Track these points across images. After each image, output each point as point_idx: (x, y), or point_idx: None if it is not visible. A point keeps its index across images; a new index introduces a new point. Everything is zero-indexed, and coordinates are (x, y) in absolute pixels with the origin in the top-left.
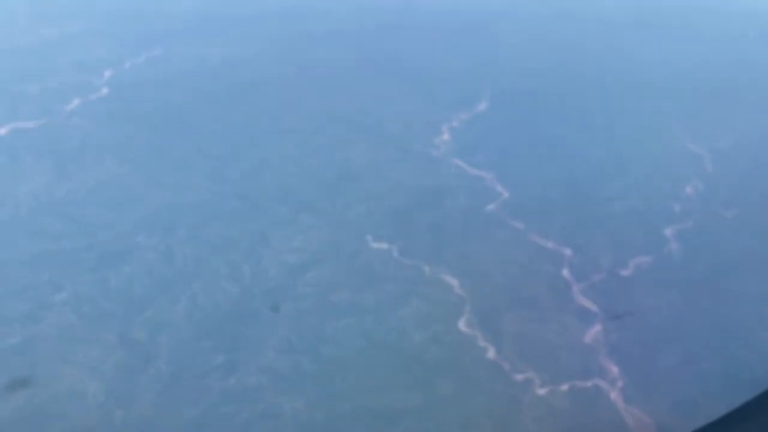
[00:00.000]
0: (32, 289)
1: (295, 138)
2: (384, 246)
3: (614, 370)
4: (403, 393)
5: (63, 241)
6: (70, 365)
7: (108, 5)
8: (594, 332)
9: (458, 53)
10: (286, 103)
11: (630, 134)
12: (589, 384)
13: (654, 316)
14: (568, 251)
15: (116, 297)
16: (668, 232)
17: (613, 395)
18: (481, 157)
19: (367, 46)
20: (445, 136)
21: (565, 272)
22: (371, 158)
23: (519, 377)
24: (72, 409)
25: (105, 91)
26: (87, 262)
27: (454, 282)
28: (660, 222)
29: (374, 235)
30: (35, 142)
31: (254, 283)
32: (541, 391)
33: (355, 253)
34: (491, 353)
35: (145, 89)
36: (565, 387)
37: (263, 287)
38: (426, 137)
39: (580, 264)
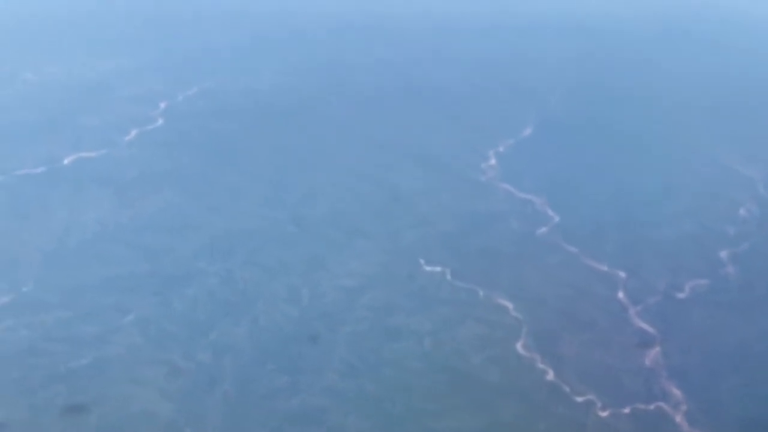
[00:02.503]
0: (101, 313)
1: (344, 164)
2: (437, 269)
3: (677, 393)
4: (466, 415)
5: (128, 266)
6: (140, 386)
7: (159, 41)
8: (653, 354)
9: (498, 80)
10: (333, 130)
11: (679, 157)
12: (651, 407)
13: (714, 338)
14: (622, 274)
15: (180, 320)
16: (724, 255)
17: (678, 418)
18: (530, 181)
19: (409, 74)
20: (492, 162)
21: (621, 295)
22: (419, 184)
23: (580, 399)
24: (144, 429)
25: (160, 122)
26: (151, 286)
27: (509, 305)
28: (715, 245)
29: (427, 259)
30: (98, 171)
31: (313, 306)
32: (604, 414)
33: (409, 277)
34: (551, 375)
35: (198, 119)
36: (627, 410)
37: (322, 310)
38: (473, 163)
39: (635, 287)
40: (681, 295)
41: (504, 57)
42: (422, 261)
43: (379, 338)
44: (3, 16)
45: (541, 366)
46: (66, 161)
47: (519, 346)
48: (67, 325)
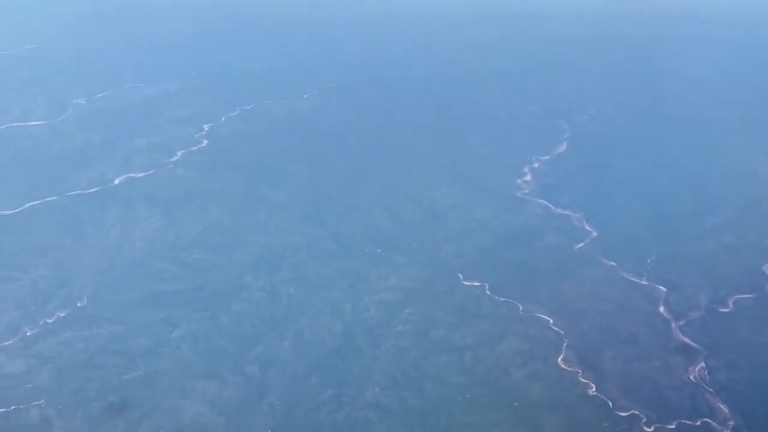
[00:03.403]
0: (151, 327)
1: (381, 182)
2: (476, 284)
3: (723, 408)
4: (509, 429)
5: (176, 282)
6: (190, 398)
7: (202, 67)
8: (698, 370)
9: (532, 97)
10: (369, 149)
11: (718, 170)
12: (698, 423)
13: (760, 353)
14: (662, 288)
15: (228, 334)
16: (767, 269)
17: None
18: (566, 197)
19: (444, 92)
20: (528, 178)
21: (662, 309)
22: (455, 200)
23: (624, 414)
24: None
25: (205, 143)
26: (199, 301)
27: (549, 319)
28: (757, 258)
29: (465, 274)
30: (146, 191)
31: (355, 320)
32: (649, 429)
33: (448, 291)
34: (593, 390)
35: (240, 140)
36: (672, 425)
37: (364, 324)
38: (508, 179)
39: (676, 301)
40: (724, 310)
41: (537, 75)
42: (461, 276)
43: (421, 352)
44: (55, 48)
45: (583, 380)
46: (116, 182)
47: (560, 361)
48: (120, 339)
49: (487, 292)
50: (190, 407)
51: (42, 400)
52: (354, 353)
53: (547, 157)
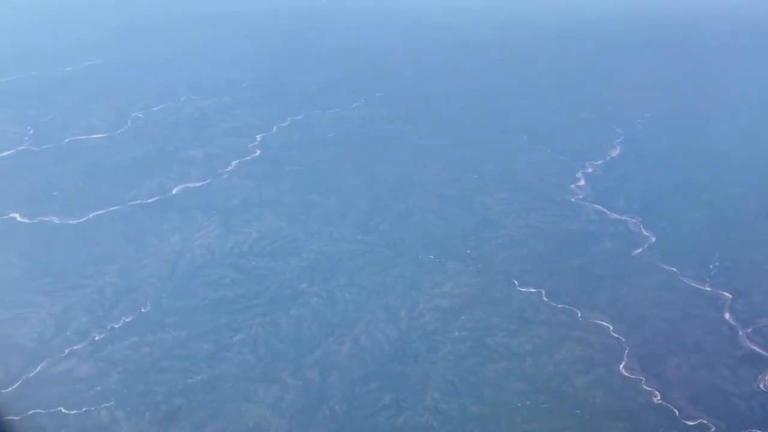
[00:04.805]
0: (213, 332)
1: (432, 189)
2: (532, 290)
3: None
4: None
5: (235, 288)
6: (253, 403)
7: (253, 79)
8: None
9: (582, 101)
10: (420, 156)
11: None
12: None
13: None
14: (727, 295)
15: (287, 339)
16: None
17: None
18: (622, 201)
19: (493, 99)
20: (581, 182)
21: (728, 316)
22: (508, 206)
23: (691, 423)
24: None
25: (258, 152)
26: (258, 307)
27: (608, 326)
28: None
29: (520, 280)
30: (203, 200)
31: (411, 326)
32: None
33: (504, 298)
34: (658, 398)
35: (292, 150)
36: None
37: (420, 330)
38: (561, 184)
39: (742, 308)
40: None
41: (586, 77)
42: (516, 282)
43: (479, 359)
44: (113, 63)
45: (647, 388)
46: (174, 191)
47: (622, 368)
48: (183, 343)
49: (544, 299)
50: (253, 411)
51: (111, 402)
52: (411, 359)
53: (600, 162)
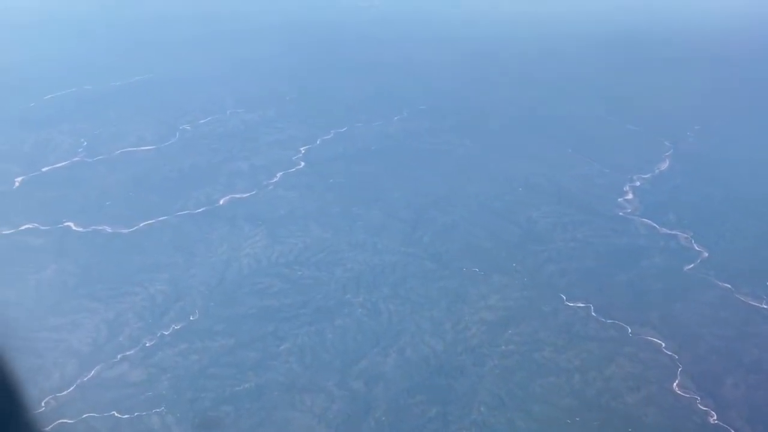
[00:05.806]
0: (260, 341)
1: (477, 201)
2: (580, 305)
3: None
4: None
5: (282, 297)
6: (299, 411)
7: (295, 91)
8: None
9: (628, 113)
10: (465, 169)
11: None
12: None
13: None
14: None
15: (333, 349)
16: None
17: None
18: (672, 216)
19: (536, 111)
20: (630, 196)
21: None
22: (554, 219)
23: None
24: None
25: (302, 165)
26: (304, 316)
27: (660, 343)
28: None
29: (568, 294)
30: (250, 211)
31: (457, 339)
32: None
33: (551, 312)
34: (714, 418)
35: (336, 162)
36: None
37: (466, 343)
38: (609, 197)
39: None
40: None
41: (633, 90)
42: (563, 296)
43: (526, 373)
44: (160, 77)
45: (702, 407)
46: (221, 202)
47: (675, 386)
48: (231, 351)
49: (593, 314)
50: (300, 419)
51: (162, 408)
52: (457, 372)
53: (649, 176)
